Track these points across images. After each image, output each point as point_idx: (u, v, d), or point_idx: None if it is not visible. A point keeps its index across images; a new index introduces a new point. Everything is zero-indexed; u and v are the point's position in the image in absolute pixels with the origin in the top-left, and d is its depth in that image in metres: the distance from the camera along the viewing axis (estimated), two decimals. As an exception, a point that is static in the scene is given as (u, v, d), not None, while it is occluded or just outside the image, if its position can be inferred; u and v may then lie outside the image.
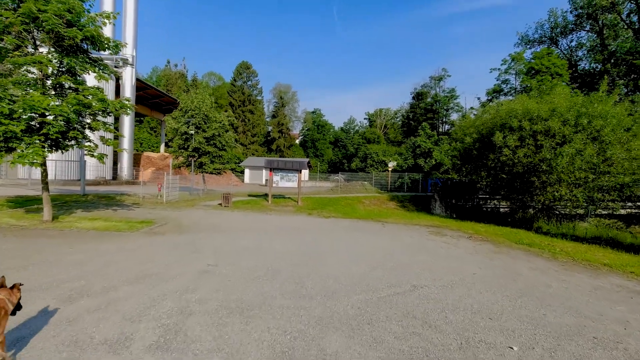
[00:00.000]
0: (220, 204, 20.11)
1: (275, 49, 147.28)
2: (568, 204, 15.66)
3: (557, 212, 17.22)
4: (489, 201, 23.13)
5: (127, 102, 11.13)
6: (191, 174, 23.83)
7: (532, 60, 39.00)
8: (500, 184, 17.78)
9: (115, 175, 34.37)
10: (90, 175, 28.72)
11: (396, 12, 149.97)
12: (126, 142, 34.31)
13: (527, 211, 17.62)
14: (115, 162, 35.17)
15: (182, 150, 23.89)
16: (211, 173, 25.09)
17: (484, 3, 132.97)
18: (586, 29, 51.99)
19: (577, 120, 15.54)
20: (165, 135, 47.29)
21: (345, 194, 28.17)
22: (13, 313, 3.17)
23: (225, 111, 30.39)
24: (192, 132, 22.95)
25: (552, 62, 36.12)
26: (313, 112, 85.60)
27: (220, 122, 24.25)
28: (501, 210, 21.80)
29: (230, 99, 70.64)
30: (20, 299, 3.29)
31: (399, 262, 8.24)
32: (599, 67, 47.55)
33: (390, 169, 30.67)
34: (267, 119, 78.89)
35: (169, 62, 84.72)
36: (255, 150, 70.23)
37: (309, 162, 24.10)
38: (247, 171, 56.18)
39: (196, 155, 23.86)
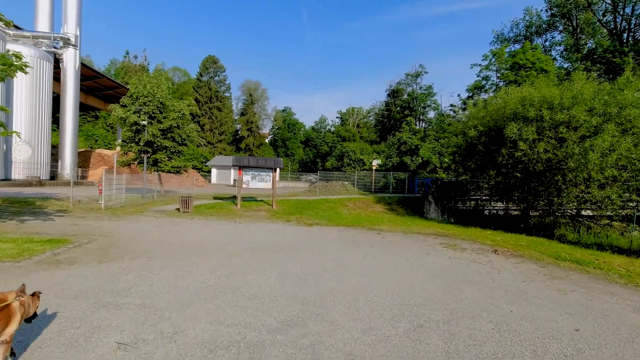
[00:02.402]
0: (178, 209, 16.45)
1: (244, 46, 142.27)
2: (599, 208, 13.35)
3: (579, 217, 14.96)
4: (488, 203, 20.78)
5: (12, 58, 7.34)
6: (144, 172, 19.85)
7: (515, 56, 37.52)
8: (513, 185, 15.26)
9: (54, 175, 29.35)
10: (19, 174, 23.91)
11: (366, 13, 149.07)
12: (68, 135, 29.45)
13: (545, 216, 15.24)
14: (56, 160, 30.14)
15: (133, 145, 19.86)
16: (169, 172, 21.21)
17: (455, 6, 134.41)
18: (559, 29, 51.99)
19: (605, 109, 13.26)
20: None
21: (325, 195, 25.07)
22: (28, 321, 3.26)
23: (181, 98, 26.02)
24: (144, 122, 19.02)
25: (537, 57, 34.72)
26: (283, 111, 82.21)
27: (180, 112, 20.41)
28: (510, 213, 19.44)
29: (197, 95, 65.90)
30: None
31: (447, 308, 5.21)
32: (571, 66, 47.07)
33: (374, 168, 27.87)
34: (236, 117, 74.91)
35: (127, 53, 77.89)
36: (223, 149, 65.92)
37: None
38: (214, 171, 52.15)
39: (150, 150, 19.92)
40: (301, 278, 6.37)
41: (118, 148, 51.73)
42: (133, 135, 19.60)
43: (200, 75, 68.63)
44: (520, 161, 14.34)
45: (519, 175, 14.56)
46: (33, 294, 3.29)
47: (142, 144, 19.31)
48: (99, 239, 8.81)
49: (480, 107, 18.13)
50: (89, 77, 40.15)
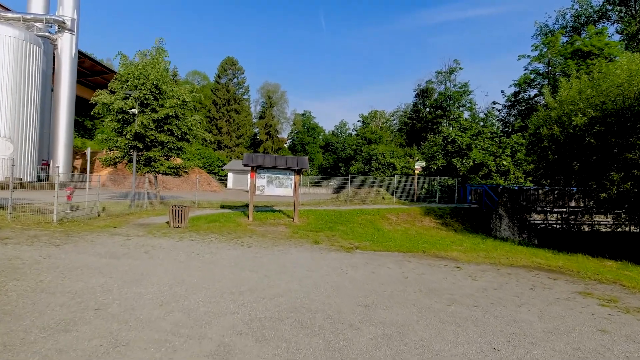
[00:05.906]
0: (169, 223, 12.24)
1: (263, 49, 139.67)
2: None
3: None
4: (580, 216, 15.70)
5: None
6: (133, 174, 15.78)
7: (573, 43, 32.06)
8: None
9: (46, 177, 25.82)
10: (-4, 175, 20.31)
11: (384, 17, 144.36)
12: (62, 131, 25.93)
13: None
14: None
15: (119, 138, 15.86)
16: (165, 174, 17.08)
17: (475, 11, 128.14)
18: (612, 18, 46.06)
19: None
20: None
21: (359, 204, 20.45)
22: None
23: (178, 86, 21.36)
24: (134, 110, 14.99)
25: (605, 42, 29.24)
26: (303, 114, 78.20)
27: (179, 98, 16.29)
28: (601, 230, 14.37)
29: (214, 97, 63.00)
30: None
31: None
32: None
33: (417, 172, 23.05)
34: (254, 120, 71.66)
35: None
36: (240, 153, 62.53)
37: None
38: (230, 175, 48.71)
39: (141, 146, 15.88)
40: None
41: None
42: (119, 126, 15.62)
43: (219, 77, 65.70)
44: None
45: (667, 180, 9.60)
46: None
47: (129, 137, 15.25)
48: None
49: (576, 87, 13.19)
50: (95, 71, 37.18)
